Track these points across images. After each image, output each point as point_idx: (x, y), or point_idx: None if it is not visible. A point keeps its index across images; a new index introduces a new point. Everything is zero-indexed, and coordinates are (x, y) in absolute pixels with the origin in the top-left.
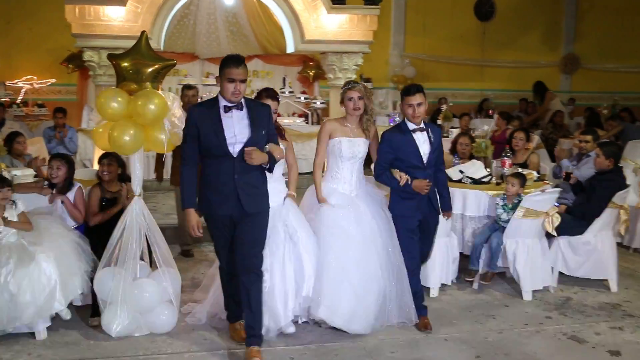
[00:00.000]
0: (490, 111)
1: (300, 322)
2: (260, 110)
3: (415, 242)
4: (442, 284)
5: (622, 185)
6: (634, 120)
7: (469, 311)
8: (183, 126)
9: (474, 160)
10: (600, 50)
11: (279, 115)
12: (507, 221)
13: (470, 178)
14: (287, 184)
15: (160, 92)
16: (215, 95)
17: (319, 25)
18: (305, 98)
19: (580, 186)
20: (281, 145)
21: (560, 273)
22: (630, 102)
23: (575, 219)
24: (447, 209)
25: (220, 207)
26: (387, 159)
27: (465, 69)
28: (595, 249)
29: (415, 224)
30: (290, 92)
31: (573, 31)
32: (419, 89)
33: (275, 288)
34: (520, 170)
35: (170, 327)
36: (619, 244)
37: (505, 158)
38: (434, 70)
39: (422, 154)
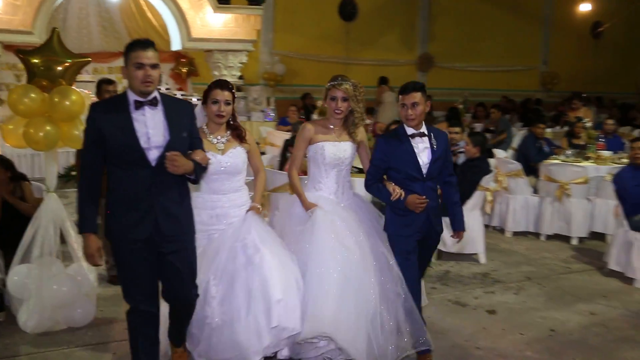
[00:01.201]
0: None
1: (281, 358)
2: (180, 108)
3: (411, 265)
4: None
5: (488, 171)
6: (488, 114)
7: None
8: None
9: None
10: (451, 51)
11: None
12: None
13: (355, 167)
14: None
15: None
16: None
17: (205, 23)
18: (182, 95)
19: None
20: (240, 149)
21: (438, 250)
22: (477, 97)
23: None
24: (458, 228)
25: (133, 229)
26: (380, 167)
27: (331, 67)
28: (467, 227)
29: (412, 245)
30: (167, 89)
31: (427, 33)
32: (416, 86)
33: (239, 322)
34: None
35: (89, 319)
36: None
37: None
38: (302, 68)
39: (421, 163)
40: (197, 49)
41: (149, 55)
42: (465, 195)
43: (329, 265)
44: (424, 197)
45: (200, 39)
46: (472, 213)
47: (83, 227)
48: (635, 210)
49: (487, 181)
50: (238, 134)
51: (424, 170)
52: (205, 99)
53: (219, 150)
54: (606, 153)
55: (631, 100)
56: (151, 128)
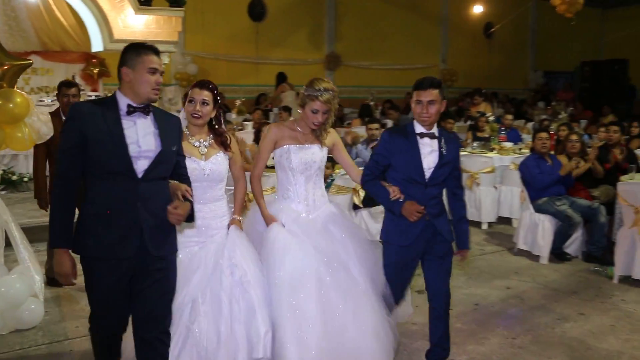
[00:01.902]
0: (269, 105)
1: None
2: (170, 120)
3: (400, 282)
4: None
5: None
6: (400, 111)
7: None
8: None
9: None
10: (357, 50)
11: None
12: None
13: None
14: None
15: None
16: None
17: (126, 25)
18: (96, 96)
19: None
20: (223, 155)
21: None
22: (383, 95)
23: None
24: (462, 246)
25: (115, 248)
26: (380, 163)
27: (242, 66)
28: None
29: (410, 256)
30: (81, 90)
31: (334, 32)
32: (434, 83)
33: (219, 350)
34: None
35: (38, 320)
36: None
37: None
38: (214, 67)
39: (424, 166)
40: (119, 50)
41: (160, 62)
42: None
43: (295, 295)
44: (423, 207)
45: (122, 40)
46: None
47: (56, 241)
48: (539, 195)
49: None
50: (222, 141)
51: (427, 175)
52: (185, 98)
53: (201, 155)
54: (508, 144)
55: (520, 96)
56: (142, 136)
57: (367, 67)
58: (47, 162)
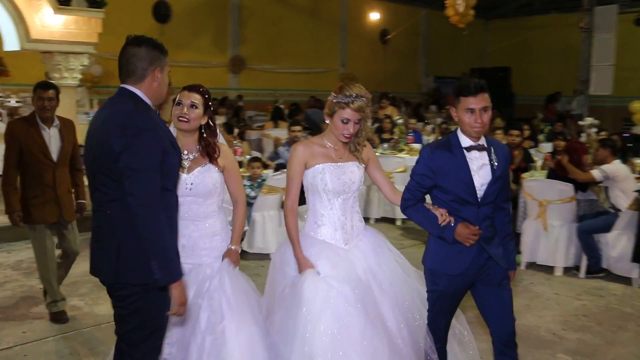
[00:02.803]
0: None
1: None
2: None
3: (446, 314)
4: None
5: None
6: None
7: None
8: None
9: None
10: (260, 53)
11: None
12: (255, 198)
13: None
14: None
15: None
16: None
17: (45, 24)
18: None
19: None
20: (212, 167)
21: None
22: (286, 97)
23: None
24: (509, 266)
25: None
26: (424, 185)
27: None
28: None
29: (460, 286)
30: None
31: (237, 36)
32: (482, 86)
33: None
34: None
35: None
36: None
37: (236, 147)
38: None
39: (476, 183)
40: (37, 50)
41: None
42: None
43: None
44: (477, 227)
45: (40, 40)
46: None
47: (178, 271)
48: None
49: None
50: (208, 152)
51: (480, 194)
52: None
53: (183, 168)
54: (416, 145)
55: (414, 99)
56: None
57: (270, 70)
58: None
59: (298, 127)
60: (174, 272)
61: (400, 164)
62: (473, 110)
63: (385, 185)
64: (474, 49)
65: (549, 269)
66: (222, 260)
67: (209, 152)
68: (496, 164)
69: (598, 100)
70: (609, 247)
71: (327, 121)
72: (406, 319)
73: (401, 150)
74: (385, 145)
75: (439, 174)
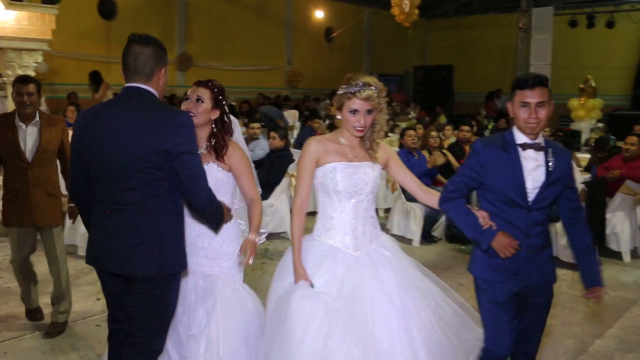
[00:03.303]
0: None
1: None
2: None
3: (507, 322)
4: None
5: (292, 160)
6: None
7: None
8: None
9: None
10: (208, 51)
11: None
12: None
13: None
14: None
15: None
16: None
17: None
18: None
19: (257, 163)
20: (215, 165)
21: None
22: (235, 95)
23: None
24: (592, 283)
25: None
26: (470, 181)
27: (93, 65)
28: (278, 209)
29: (506, 295)
30: None
31: (184, 33)
32: (541, 80)
33: None
34: None
35: None
36: None
37: None
38: (64, 66)
39: (527, 185)
40: None
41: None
42: (276, 182)
43: None
44: (517, 242)
45: None
46: (280, 197)
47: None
48: None
49: (291, 169)
50: (215, 148)
51: (531, 196)
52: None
53: None
54: None
55: None
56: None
57: (217, 68)
58: None
59: (257, 124)
60: (223, 217)
61: None
62: (528, 105)
63: (412, 184)
64: (415, 47)
65: None
66: (241, 251)
67: (216, 148)
68: (553, 167)
69: None
70: (558, 236)
71: (338, 117)
72: (420, 332)
73: None
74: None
75: (488, 170)
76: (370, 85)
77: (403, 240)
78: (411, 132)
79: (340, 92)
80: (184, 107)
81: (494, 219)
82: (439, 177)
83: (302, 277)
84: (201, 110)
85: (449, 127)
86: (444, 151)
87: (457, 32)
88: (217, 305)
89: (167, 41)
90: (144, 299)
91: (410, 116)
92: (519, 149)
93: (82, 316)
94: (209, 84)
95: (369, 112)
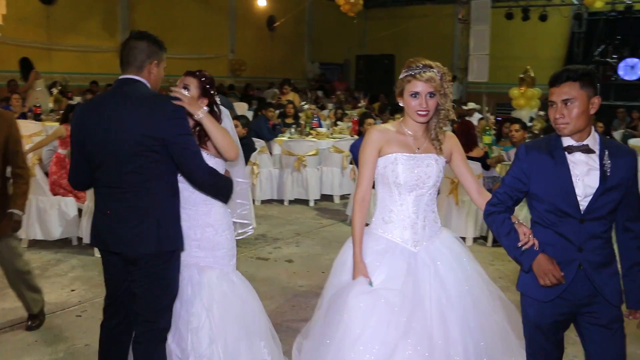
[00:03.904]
0: (69, 94)
1: None
2: None
3: (547, 351)
4: None
5: (254, 148)
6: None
7: None
8: None
9: None
10: None
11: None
12: None
13: None
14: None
15: None
16: None
17: None
18: None
19: None
20: (206, 155)
21: None
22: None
23: None
24: (636, 305)
25: None
26: (514, 191)
27: (33, 52)
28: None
29: (550, 318)
30: None
31: (127, 20)
32: (571, 74)
33: None
34: None
35: None
36: None
37: None
38: (2, 52)
39: (578, 192)
40: None
41: None
42: (238, 171)
43: None
44: (562, 274)
45: None
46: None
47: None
48: None
49: (253, 157)
50: (199, 135)
51: (583, 205)
52: None
53: None
54: (322, 130)
55: (300, 85)
56: None
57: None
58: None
59: None
60: (232, 189)
61: (312, 147)
62: (554, 104)
63: (471, 184)
64: (354, 36)
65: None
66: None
67: (200, 136)
68: (610, 171)
69: (474, 87)
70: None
71: (400, 103)
72: (473, 340)
73: (308, 135)
74: (293, 130)
75: (533, 177)
76: (431, 67)
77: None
78: (370, 120)
79: (400, 76)
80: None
81: (546, 231)
82: None
83: (362, 273)
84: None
85: (396, 117)
86: None
87: (396, 22)
88: (215, 301)
89: (110, 28)
90: (146, 276)
91: (360, 104)
92: (566, 153)
93: (60, 307)
94: (197, 73)
95: (432, 95)
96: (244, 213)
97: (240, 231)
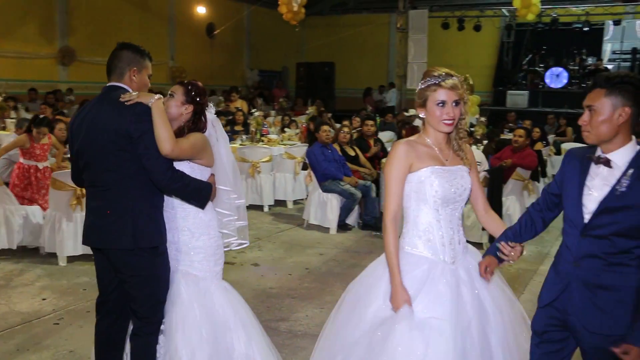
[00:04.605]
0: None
1: None
2: None
3: (533, 356)
4: None
5: None
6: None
7: None
8: None
9: None
10: (91, 45)
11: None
12: None
13: None
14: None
15: None
16: None
17: None
18: None
19: None
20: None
21: None
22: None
23: None
24: (635, 341)
25: None
26: (550, 196)
27: None
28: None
29: (541, 323)
30: None
31: (66, 26)
32: (599, 81)
33: None
34: None
35: None
36: None
37: None
38: None
39: (585, 204)
40: None
41: None
42: None
43: None
44: (513, 248)
45: None
46: None
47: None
48: (325, 178)
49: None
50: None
51: (586, 217)
52: None
53: None
54: (273, 136)
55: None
56: None
57: (102, 63)
58: None
59: None
60: (208, 195)
61: (266, 153)
62: (584, 109)
63: (480, 200)
64: (293, 44)
65: None
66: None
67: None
68: (623, 189)
69: (413, 94)
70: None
71: (422, 115)
72: (512, 357)
73: (259, 141)
74: (244, 137)
75: (564, 183)
76: (452, 75)
77: (321, 229)
78: (326, 127)
79: (422, 86)
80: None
81: (564, 237)
82: (348, 164)
83: (404, 301)
84: (171, 103)
85: (356, 122)
86: (354, 147)
87: (333, 30)
88: (176, 305)
89: (48, 34)
90: (132, 274)
91: (307, 112)
92: (592, 164)
93: (35, 316)
94: (185, 81)
95: (457, 103)
96: (228, 224)
97: (225, 241)
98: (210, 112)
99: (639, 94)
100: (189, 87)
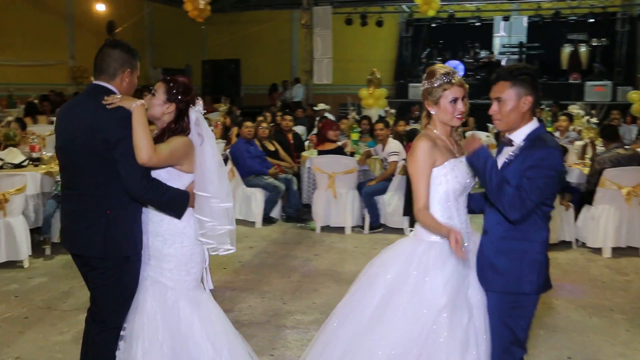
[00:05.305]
0: None
1: None
2: None
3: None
4: None
5: None
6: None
7: None
8: None
9: (12, 148)
10: None
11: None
12: None
13: (11, 164)
14: None
15: None
16: None
17: None
18: None
19: None
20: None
21: None
22: (20, 92)
23: None
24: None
25: None
26: None
27: None
28: None
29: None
30: None
31: None
32: (502, 74)
33: None
34: None
35: None
36: None
37: (33, 144)
38: None
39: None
40: None
41: None
42: None
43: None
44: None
45: None
46: None
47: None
48: (249, 173)
49: None
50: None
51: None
52: None
53: None
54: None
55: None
56: None
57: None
58: None
59: None
60: (184, 205)
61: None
62: (492, 101)
63: None
64: (195, 41)
65: (340, 230)
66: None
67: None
68: (510, 159)
69: (320, 89)
70: (385, 206)
71: (433, 111)
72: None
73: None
74: None
75: None
76: (453, 72)
77: (246, 223)
78: (248, 123)
79: (434, 85)
80: (144, 100)
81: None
82: (269, 158)
83: (461, 254)
84: (153, 102)
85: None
86: (273, 142)
87: (236, 27)
88: (138, 313)
89: None
90: (102, 278)
91: (221, 109)
92: (504, 146)
93: None
94: (168, 78)
95: (464, 98)
96: (212, 229)
97: (211, 247)
98: (195, 110)
99: (535, 83)
100: (171, 85)
